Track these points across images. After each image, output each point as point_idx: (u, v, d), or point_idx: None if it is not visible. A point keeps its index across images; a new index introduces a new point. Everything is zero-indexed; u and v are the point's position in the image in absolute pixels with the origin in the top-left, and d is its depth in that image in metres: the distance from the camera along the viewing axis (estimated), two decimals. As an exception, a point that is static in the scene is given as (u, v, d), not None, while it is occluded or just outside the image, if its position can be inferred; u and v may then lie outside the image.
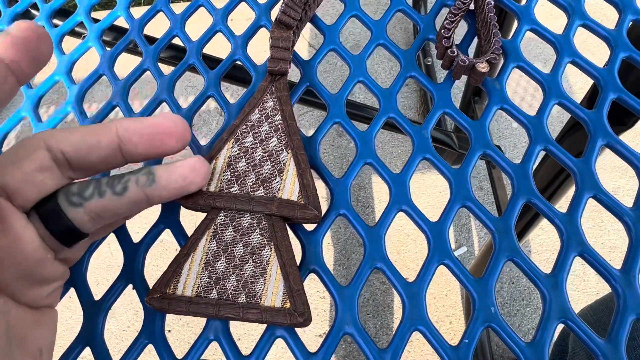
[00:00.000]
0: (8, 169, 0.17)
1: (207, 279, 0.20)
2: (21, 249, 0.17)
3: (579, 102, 0.25)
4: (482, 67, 0.24)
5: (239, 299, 0.20)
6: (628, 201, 0.23)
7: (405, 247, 0.98)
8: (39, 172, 0.18)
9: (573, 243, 0.22)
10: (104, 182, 0.19)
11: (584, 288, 0.91)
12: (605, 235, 0.94)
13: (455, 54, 0.25)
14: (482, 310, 0.21)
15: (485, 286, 0.21)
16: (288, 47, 0.25)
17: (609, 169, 1.00)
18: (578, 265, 0.92)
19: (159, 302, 0.20)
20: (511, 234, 0.22)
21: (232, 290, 0.20)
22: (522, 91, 1.13)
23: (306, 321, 0.20)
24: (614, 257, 0.92)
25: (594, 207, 0.92)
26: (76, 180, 0.20)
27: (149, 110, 0.27)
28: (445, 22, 0.26)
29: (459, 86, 1.06)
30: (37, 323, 0.18)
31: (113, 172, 0.23)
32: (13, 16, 0.33)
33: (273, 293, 0.20)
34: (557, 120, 1.05)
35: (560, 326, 0.20)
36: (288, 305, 0.20)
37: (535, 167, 0.24)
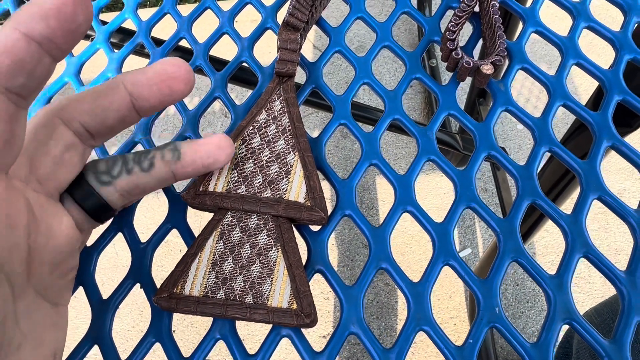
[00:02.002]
0: (35, 155, 0.17)
1: (215, 279, 0.20)
2: (57, 244, 0.17)
3: (584, 103, 0.25)
4: (487, 68, 0.24)
5: (246, 299, 0.20)
6: (634, 203, 0.23)
7: (409, 248, 0.98)
8: (67, 152, 0.18)
9: (578, 244, 0.22)
10: (130, 158, 0.19)
11: (589, 290, 0.91)
12: (611, 237, 0.94)
13: (460, 56, 0.25)
14: (486, 310, 0.21)
15: (490, 287, 0.21)
16: (296, 49, 0.26)
17: (614, 171, 0.99)
18: (583, 268, 0.91)
19: (167, 302, 0.20)
20: (516, 235, 0.22)
21: (239, 290, 0.20)
22: (527, 92, 1.13)
23: (312, 322, 0.20)
24: (619, 259, 0.91)
25: (600, 209, 0.92)
26: (98, 158, 0.20)
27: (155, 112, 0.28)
28: (449, 25, 0.26)
29: (464, 87, 1.06)
30: (55, 325, 0.18)
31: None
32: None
33: (280, 294, 0.20)
34: (562, 122, 1.04)
35: (565, 328, 0.20)
36: (295, 306, 0.20)
37: (540, 168, 0.24)
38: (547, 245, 0.95)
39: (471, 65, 0.24)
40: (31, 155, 0.17)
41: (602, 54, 1.01)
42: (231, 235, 0.21)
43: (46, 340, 0.17)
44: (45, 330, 0.17)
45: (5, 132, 0.14)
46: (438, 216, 0.22)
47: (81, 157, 0.19)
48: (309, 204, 0.22)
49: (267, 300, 0.20)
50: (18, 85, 0.14)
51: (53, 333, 0.18)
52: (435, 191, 1.03)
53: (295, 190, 0.22)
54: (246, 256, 0.21)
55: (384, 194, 1.04)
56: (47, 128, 0.17)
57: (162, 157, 0.19)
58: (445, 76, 1.12)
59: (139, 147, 0.27)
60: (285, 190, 0.22)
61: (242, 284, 0.20)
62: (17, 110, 0.14)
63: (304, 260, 0.22)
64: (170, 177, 0.20)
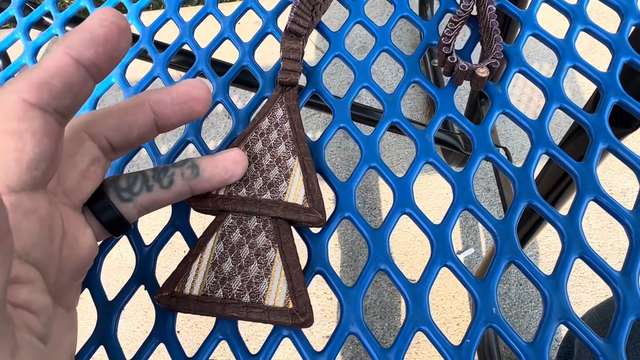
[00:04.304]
0: (62, 168, 0.18)
1: (214, 279, 0.21)
2: (79, 255, 0.18)
3: (586, 102, 0.25)
4: (482, 72, 0.24)
5: (244, 298, 0.21)
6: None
7: (413, 248, 0.98)
8: (92, 165, 0.18)
9: (574, 245, 0.22)
10: (150, 175, 0.20)
11: (593, 290, 0.91)
12: (615, 236, 0.94)
13: (455, 60, 0.25)
14: (484, 310, 0.21)
15: (487, 287, 0.22)
16: (298, 58, 0.26)
17: (618, 170, 0.99)
18: (587, 268, 0.91)
19: (167, 300, 0.21)
20: (513, 236, 0.22)
21: (237, 290, 0.21)
22: (530, 91, 1.13)
23: (308, 321, 0.20)
24: (622, 258, 0.91)
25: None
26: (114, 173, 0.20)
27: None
28: (445, 30, 0.26)
29: (467, 88, 1.06)
30: (69, 328, 0.19)
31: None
32: (28, 25, 0.34)
33: (276, 293, 0.21)
34: (565, 121, 1.04)
35: (562, 327, 0.21)
36: (291, 305, 0.20)
37: (540, 170, 0.25)
38: (550, 244, 0.95)
39: (466, 69, 0.25)
40: (60, 169, 0.18)
41: (604, 53, 1.01)
42: (231, 237, 0.22)
43: (64, 344, 0.18)
44: (63, 334, 0.18)
45: (52, 151, 0.15)
46: (440, 217, 0.23)
47: (103, 170, 0.19)
48: (307, 206, 0.22)
49: (264, 300, 0.20)
50: (64, 107, 0.15)
51: (69, 336, 0.18)
52: (437, 191, 1.03)
53: (294, 192, 0.22)
54: (245, 256, 0.21)
55: (387, 195, 1.04)
56: (74, 142, 0.18)
57: (182, 174, 0.20)
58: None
59: (143, 151, 0.27)
60: (285, 193, 0.22)
61: (240, 283, 0.21)
62: (60, 129, 0.15)
63: (304, 262, 0.22)
64: (188, 192, 0.20)
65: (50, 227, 0.16)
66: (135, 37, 0.32)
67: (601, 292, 0.90)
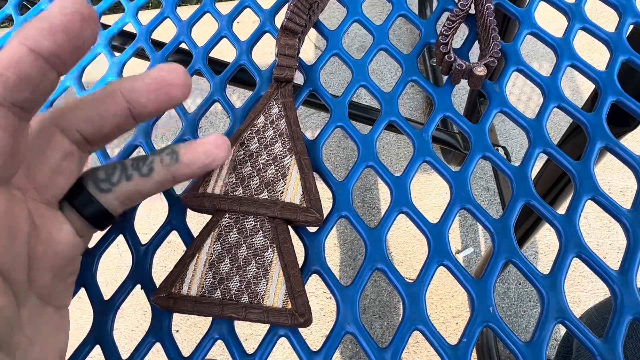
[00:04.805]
0: (33, 164, 0.17)
1: (212, 280, 0.21)
2: (57, 251, 0.17)
3: (585, 102, 0.25)
4: (480, 70, 0.24)
5: (242, 299, 0.20)
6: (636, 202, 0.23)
7: (412, 247, 0.98)
8: (64, 160, 0.18)
9: (571, 244, 0.22)
10: (129, 165, 0.19)
11: (592, 289, 0.91)
12: (614, 235, 0.94)
13: (453, 59, 0.25)
14: (481, 310, 0.21)
15: (484, 287, 0.22)
16: (294, 54, 0.26)
17: (616, 169, 0.99)
18: (586, 267, 0.91)
19: (165, 302, 0.21)
20: (510, 236, 0.22)
21: (235, 290, 0.21)
22: (529, 90, 1.13)
23: (307, 322, 0.20)
24: (622, 257, 0.91)
25: (602, 208, 0.91)
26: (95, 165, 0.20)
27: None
28: (443, 29, 0.26)
29: (466, 86, 1.06)
30: (58, 327, 0.18)
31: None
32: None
33: (275, 294, 0.20)
34: (564, 120, 1.04)
35: (560, 327, 0.21)
36: (289, 306, 0.20)
37: (539, 169, 0.25)
38: (550, 244, 0.95)
39: (464, 67, 0.25)
40: (29, 164, 0.17)
41: (603, 52, 1.01)
42: (228, 237, 0.22)
43: (52, 343, 0.18)
44: (50, 333, 0.18)
45: (10, 146, 0.14)
46: (439, 215, 0.23)
47: (78, 164, 0.19)
48: (304, 206, 0.22)
49: (263, 300, 0.20)
50: (23, 99, 0.14)
51: (57, 335, 0.18)
52: (436, 191, 1.03)
53: (292, 191, 0.22)
54: (242, 257, 0.21)
55: (386, 194, 1.04)
56: (44, 136, 0.18)
57: (161, 161, 0.19)
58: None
59: (141, 150, 0.27)
60: (282, 192, 0.22)
61: (238, 284, 0.21)
62: (20, 123, 0.15)
63: (301, 261, 0.22)
64: (170, 180, 0.20)
65: (11, 225, 0.15)
66: (132, 36, 0.32)
67: (600, 291, 0.90)
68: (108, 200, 0.19)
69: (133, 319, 0.95)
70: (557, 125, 1.04)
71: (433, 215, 0.24)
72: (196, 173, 0.20)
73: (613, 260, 0.91)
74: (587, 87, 1.11)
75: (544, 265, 0.93)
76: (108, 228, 0.24)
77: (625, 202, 0.96)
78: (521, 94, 1.13)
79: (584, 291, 0.91)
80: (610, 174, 0.99)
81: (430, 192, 1.03)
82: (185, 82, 0.19)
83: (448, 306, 0.92)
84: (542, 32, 0.28)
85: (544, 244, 0.96)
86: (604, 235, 0.95)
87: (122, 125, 0.19)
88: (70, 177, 0.18)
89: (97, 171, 0.19)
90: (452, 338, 0.18)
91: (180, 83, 0.18)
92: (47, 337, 0.17)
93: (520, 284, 0.93)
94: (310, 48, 1.22)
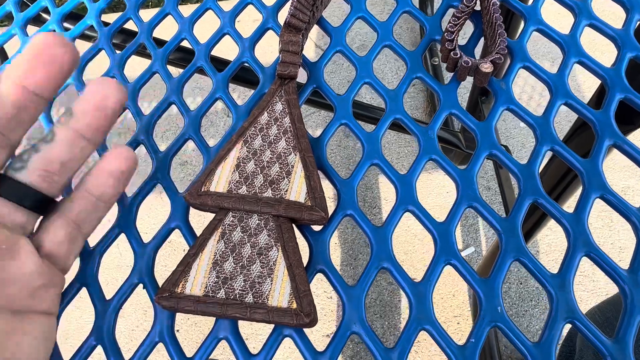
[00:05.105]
0: None
1: (215, 279, 0.21)
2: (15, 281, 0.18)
3: (587, 101, 0.25)
4: (486, 67, 0.24)
5: (246, 299, 0.20)
6: (638, 201, 0.23)
7: (413, 247, 0.97)
8: None
9: (580, 243, 0.22)
10: (38, 140, 0.19)
11: (593, 289, 0.90)
12: (615, 235, 0.93)
13: (459, 55, 0.25)
14: (488, 310, 0.21)
15: (492, 286, 0.21)
16: (297, 51, 0.26)
17: (618, 168, 0.99)
18: (587, 266, 0.91)
19: (168, 301, 0.20)
20: (518, 234, 0.22)
21: (239, 290, 0.20)
22: (530, 89, 1.12)
23: (312, 322, 0.20)
24: (623, 257, 0.91)
25: (604, 207, 0.91)
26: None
27: (157, 113, 0.28)
28: (448, 26, 0.26)
29: (466, 86, 1.05)
30: (14, 331, 0.18)
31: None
32: (25, 20, 0.34)
33: (280, 294, 0.20)
34: (565, 119, 1.04)
35: (568, 326, 0.20)
36: (294, 305, 0.20)
37: (543, 166, 0.24)
38: (551, 243, 0.95)
39: (470, 64, 0.24)
40: None
41: (605, 51, 1.00)
42: (232, 235, 0.21)
43: (5, 348, 0.17)
44: (2, 337, 0.17)
45: None
46: (440, 215, 0.22)
47: None
48: (309, 204, 0.22)
49: (267, 300, 0.20)
50: None
51: (12, 339, 0.18)
52: (437, 190, 1.03)
53: (296, 190, 0.22)
54: (247, 256, 0.21)
55: (387, 193, 1.04)
56: None
57: (59, 122, 0.19)
58: (447, 74, 1.11)
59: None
60: (286, 190, 0.22)
61: (242, 283, 0.20)
62: None
63: (305, 260, 0.22)
64: (77, 137, 0.19)
65: None
66: (133, 33, 0.32)
67: (602, 290, 0.90)
68: (25, 176, 0.19)
69: (133, 318, 0.94)
70: (559, 124, 1.04)
71: (434, 215, 0.23)
72: (97, 119, 0.20)
73: (615, 260, 0.91)
74: (588, 86, 1.11)
75: (546, 265, 0.92)
76: (110, 224, 0.24)
77: (628, 201, 0.96)
78: (522, 92, 1.12)
79: (585, 290, 0.91)
80: (611, 173, 0.99)
81: (432, 191, 1.03)
82: (61, 41, 0.18)
83: (449, 306, 0.92)
84: (549, 29, 0.28)
85: (545, 244, 0.95)
86: (605, 235, 0.94)
87: (23, 104, 0.18)
88: None
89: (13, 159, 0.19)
90: (454, 338, 0.17)
91: (56, 44, 0.18)
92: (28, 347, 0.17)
93: (521, 284, 0.93)
94: (311, 47, 1.21)
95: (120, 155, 0.21)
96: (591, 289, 0.90)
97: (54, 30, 0.33)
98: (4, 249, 0.18)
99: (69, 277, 0.22)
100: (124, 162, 0.21)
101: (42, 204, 0.19)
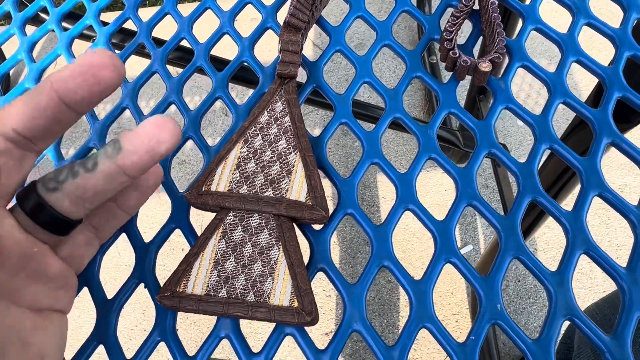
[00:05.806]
0: None
1: (217, 278, 0.21)
2: (2, 245, 0.17)
3: (584, 99, 0.25)
4: (485, 66, 0.24)
5: (248, 297, 0.20)
6: (635, 199, 0.23)
7: (411, 245, 0.98)
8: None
9: (578, 241, 0.22)
10: (76, 163, 0.19)
11: (591, 286, 0.91)
12: (612, 232, 0.94)
13: (458, 55, 0.25)
14: (488, 307, 0.21)
15: (491, 284, 0.21)
16: (297, 50, 0.26)
17: (615, 166, 0.99)
18: (585, 263, 0.91)
19: (170, 301, 0.20)
20: (517, 232, 0.22)
21: (241, 289, 0.20)
22: (528, 88, 1.13)
23: (314, 320, 0.20)
24: (620, 254, 0.91)
25: (601, 205, 0.92)
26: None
27: (158, 112, 0.28)
28: (447, 25, 0.26)
29: (464, 84, 1.06)
30: (38, 327, 0.18)
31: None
32: (23, 21, 0.33)
33: (281, 292, 0.20)
34: (563, 118, 1.04)
35: (566, 323, 0.20)
36: (296, 304, 0.20)
37: (540, 165, 0.25)
38: (549, 241, 0.96)
39: (469, 63, 0.25)
40: None
41: (602, 49, 1.01)
42: (233, 235, 0.21)
43: (29, 341, 0.18)
44: (25, 331, 0.17)
45: None
46: (439, 213, 0.22)
47: (19, 161, 0.18)
48: (310, 203, 0.22)
49: (269, 299, 0.20)
50: None
51: (38, 335, 0.18)
52: (436, 188, 1.03)
53: (297, 189, 0.22)
54: (248, 255, 0.21)
55: (385, 192, 1.04)
56: None
57: (105, 153, 0.19)
58: (446, 73, 1.12)
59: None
60: (287, 190, 0.22)
61: (243, 282, 0.20)
62: None
63: (306, 259, 0.22)
64: (119, 172, 0.19)
65: None
66: (133, 33, 0.32)
67: (599, 288, 0.91)
68: (57, 199, 0.18)
69: (132, 317, 0.94)
70: (556, 122, 1.04)
71: (433, 213, 0.23)
72: (143, 160, 0.19)
73: (612, 257, 0.92)
74: (585, 84, 1.11)
75: (544, 262, 0.93)
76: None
77: (625, 198, 0.97)
78: (519, 91, 1.13)
79: (582, 288, 0.91)
80: (608, 171, 0.99)
81: (430, 189, 1.03)
82: (112, 62, 0.18)
83: (447, 303, 0.92)
84: (547, 28, 0.28)
85: (543, 241, 0.96)
86: (602, 232, 0.95)
87: (58, 115, 0.18)
88: (11, 175, 0.18)
89: (47, 173, 0.19)
90: (453, 335, 0.17)
91: (106, 63, 0.18)
92: (19, 335, 0.17)
93: (519, 281, 0.93)
94: (309, 47, 1.21)
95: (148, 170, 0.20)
96: (589, 286, 0.91)
97: (94, 42, 0.33)
98: (36, 251, 0.18)
99: (71, 276, 0.22)
100: (151, 176, 0.21)
101: (68, 229, 0.19)
